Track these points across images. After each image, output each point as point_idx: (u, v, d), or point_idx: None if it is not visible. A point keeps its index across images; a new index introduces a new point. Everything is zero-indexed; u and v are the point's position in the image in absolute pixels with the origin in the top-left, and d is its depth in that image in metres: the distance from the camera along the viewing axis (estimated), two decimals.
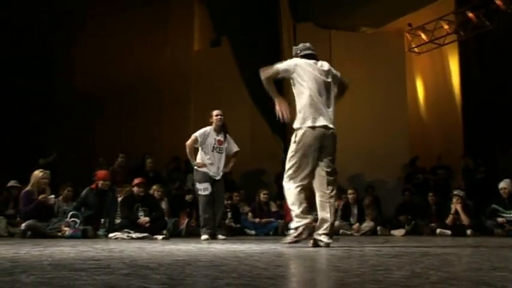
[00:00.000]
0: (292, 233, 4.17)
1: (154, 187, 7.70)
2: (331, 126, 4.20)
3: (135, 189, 6.73)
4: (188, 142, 6.37)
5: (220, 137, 6.47)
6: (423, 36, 10.68)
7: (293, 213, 4.17)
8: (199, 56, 12.15)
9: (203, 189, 6.27)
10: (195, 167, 6.36)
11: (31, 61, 11.13)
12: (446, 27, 10.19)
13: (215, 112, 6.52)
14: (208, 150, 6.38)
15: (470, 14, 9.63)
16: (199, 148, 6.40)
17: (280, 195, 9.55)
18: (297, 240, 4.12)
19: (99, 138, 11.53)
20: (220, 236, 6.29)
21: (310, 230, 4.12)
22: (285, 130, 10.84)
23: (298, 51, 4.52)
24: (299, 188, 4.12)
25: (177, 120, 11.27)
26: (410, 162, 10.11)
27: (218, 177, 6.39)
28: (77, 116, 11.61)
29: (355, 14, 10.39)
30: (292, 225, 4.19)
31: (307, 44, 4.54)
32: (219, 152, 6.42)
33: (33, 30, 11.35)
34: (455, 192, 8.07)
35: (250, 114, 11.01)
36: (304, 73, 4.25)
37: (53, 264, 2.47)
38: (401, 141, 10.28)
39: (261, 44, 11.17)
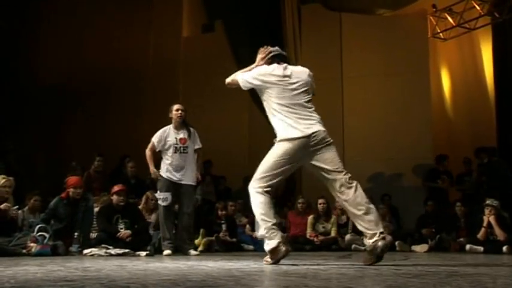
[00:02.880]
0: None
1: (148, 194, 7.77)
2: None
3: (114, 197, 6.72)
4: (146, 149, 6.59)
5: (183, 135, 6.55)
6: (450, 19, 10.67)
7: None
8: (188, 43, 12.14)
9: (162, 199, 6.45)
10: (160, 173, 6.52)
11: None
12: (478, 8, 10.17)
13: (175, 107, 6.64)
14: (171, 152, 6.50)
15: None
16: (162, 152, 6.57)
17: (282, 205, 9.58)
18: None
19: (71, 139, 11.49)
20: (192, 252, 6.43)
21: None
22: None
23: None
24: None
25: (163, 118, 11.19)
26: (438, 159, 9.94)
27: (187, 182, 6.49)
28: (45, 113, 11.52)
29: None
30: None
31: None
32: (183, 153, 6.52)
33: None
34: (487, 202, 8.05)
35: (247, 110, 11.02)
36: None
37: (16, 287, 2.46)
38: (423, 142, 10.27)
39: (260, 28, 11.18)
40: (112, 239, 6.39)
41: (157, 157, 6.74)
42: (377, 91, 10.38)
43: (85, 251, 6.21)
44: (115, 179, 8.43)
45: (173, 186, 6.49)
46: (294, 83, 4.38)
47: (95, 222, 6.93)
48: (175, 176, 6.48)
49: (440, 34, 11.02)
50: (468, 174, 9.69)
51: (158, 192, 6.56)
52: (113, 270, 3.50)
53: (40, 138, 11.22)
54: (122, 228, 6.54)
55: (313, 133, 4.23)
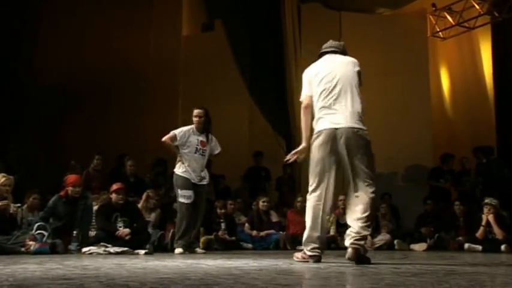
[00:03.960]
0: None
1: (149, 193, 7.77)
2: None
3: (113, 196, 6.71)
4: (164, 138, 6.57)
5: (203, 138, 6.65)
6: (449, 18, 10.68)
7: None
8: (188, 42, 12.12)
9: (186, 196, 6.44)
10: (177, 173, 6.51)
11: None
12: (477, 7, 10.18)
13: (195, 112, 6.71)
14: (191, 153, 6.55)
15: None
16: (179, 150, 6.57)
17: (281, 203, 9.58)
18: None
19: (71, 137, 11.49)
20: (198, 250, 6.52)
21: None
22: (288, 128, 10.87)
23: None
24: None
25: (162, 117, 11.24)
26: (443, 158, 9.88)
27: (201, 183, 6.56)
28: (45, 112, 11.53)
29: None
30: None
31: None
32: (201, 155, 6.61)
33: None
34: (486, 200, 8.06)
35: (248, 110, 11.04)
36: None
37: (14, 285, 2.45)
38: (423, 141, 10.28)
39: (260, 27, 11.19)
40: (111, 237, 6.38)
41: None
42: (376, 90, 10.34)
43: (84, 250, 6.21)
44: (114, 177, 8.43)
45: (192, 185, 6.52)
46: None
47: (93, 221, 6.92)
48: (193, 177, 6.51)
49: (440, 33, 11.03)
50: (466, 173, 9.68)
51: (180, 190, 6.48)
52: (111, 269, 3.49)
53: (40, 137, 11.22)
54: (120, 227, 6.53)
55: None
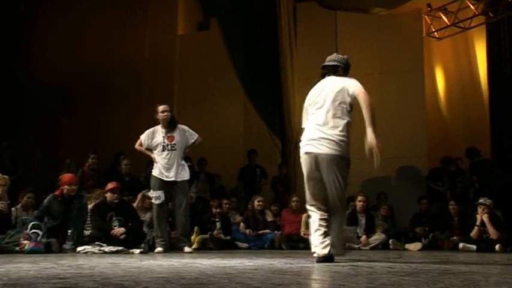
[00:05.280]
0: None
1: (144, 193, 7.71)
2: None
3: (108, 195, 6.70)
4: (135, 145, 6.76)
5: (170, 133, 6.65)
6: (445, 18, 10.70)
7: None
8: (183, 41, 12.11)
9: (155, 197, 6.52)
10: (152, 173, 6.61)
11: None
12: (472, 7, 10.20)
13: (160, 108, 6.71)
14: (159, 151, 6.61)
15: None
16: (148, 153, 6.71)
17: (277, 202, 9.57)
18: None
19: (66, 136, 11.46)
20: (186, 249, 6.50)
21: None
22: (283, 128, 10.87)
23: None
24: None
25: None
26: (443, 161, 9.76)
27: (178, 179, 6.54)
28: (41, 109, 11.50)
29: None
30: None
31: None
32: (171, 150, 6.60)
33: None
34: (481, 200, 8.07)
35: (243, 109, 11.03)
36: None
37: (9, 285, 2.45)
38: (417, 141, 10.28)
39: (255, 26, 11.19)
40: (106, 236, 6.38)
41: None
42: (372, 89, 10.27)
43: (78, 249, 6.20)
44: (110, 176, 8.41)
45: (166, 185, 6.52)
46: None
47: (88, 220, 6.91)
48: (166, 175, 6.53)
49: (435, 33, 11.04)
50: (460, 173, 9.69)
51: (151, 191, 6.61)
52: (106, 268, 3.49)
53: (35, 136, 11.18)
54: (115, 226, 6.52)
55: None
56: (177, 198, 6.57)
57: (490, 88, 10.58)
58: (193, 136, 6.74)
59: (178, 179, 6.55)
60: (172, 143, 6.60)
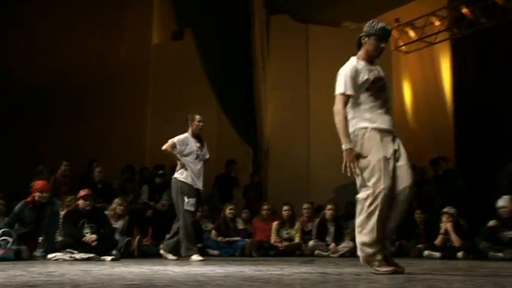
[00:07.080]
0: None
1: (116, 201, 7.67)
2: None
3: (80, 202, 6.62)
4: (164, 146, 6.61)
5: (199, 144, 6.71)
6: (411, 33, 10.89)
7: None
8: (158, 50, 12.07)
9: (192, 204, 6.46)
10: (181, 179, 6.49)
11: None
12: (437, 23, 10.42)
13: (197, 117, 6.74)
14: (192, 159, 6.59)
15: (465, 10, 9.83)
16: (179, 158, 6.56)
17: (248, 210, 9.57)
18: None
19: (39, 142, 11.25)
20: (195, 257, 6.42)
21: None
22: (255, 138, 10.89)
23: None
24: None
25: (131, 123, 11.13)
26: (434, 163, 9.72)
27: (201, 188, 6.67)
28: (12, 116, 11.26)
29: (336, 7, 10.53)
30: None
31: None
32: (201, 160, 6.68)
33: None
34: (445, 209, 8.20)
35: (216, 119, 11.01)
36: None
37: None
38: None
39: (229, 37, 11.22)
40: (77, 243, 6.29)
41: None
42: None
43: (49, 256, 6.10)
44: (83, 183, 8.31)
45: (196, 193, 6.57)
46: None
47: (60, 227, 6.80)
48: (196, 183, 6.56)
49: (403, 47, 11.23)
50: (425, 183, 9.80)
51: (187, 198, 6.46)
52: (77, 275, 3.44)
53: (7, 142, 10.94)
54: (87, 233, 6.43)
55: None
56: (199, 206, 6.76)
57: (455, 100, 10.79)
58: (208, 153, 6.83)
59: (201, 188, 6.67)
60: (202, 153, 6.67)
